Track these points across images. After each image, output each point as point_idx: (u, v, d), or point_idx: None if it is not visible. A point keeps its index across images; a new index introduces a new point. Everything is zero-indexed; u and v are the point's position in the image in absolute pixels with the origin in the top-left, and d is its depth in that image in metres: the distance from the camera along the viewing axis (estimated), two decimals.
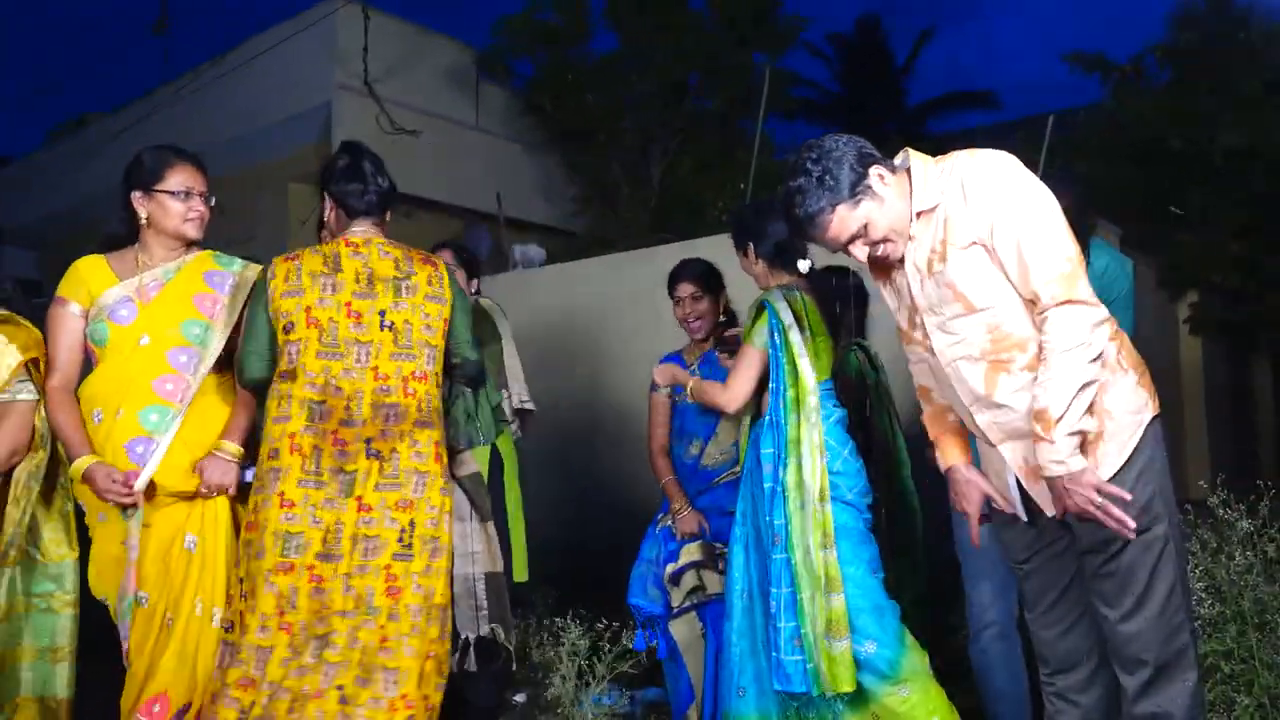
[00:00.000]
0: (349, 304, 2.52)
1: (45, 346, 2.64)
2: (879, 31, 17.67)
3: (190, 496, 2.57)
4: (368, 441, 2.48)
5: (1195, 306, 9.44)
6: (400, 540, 2.48)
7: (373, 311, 2.53)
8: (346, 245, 2.59)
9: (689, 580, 3.14)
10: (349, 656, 2.43)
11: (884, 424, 3.11)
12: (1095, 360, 1.92)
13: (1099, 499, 1.94)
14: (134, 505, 2.49)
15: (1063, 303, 1.92)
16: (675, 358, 3.44)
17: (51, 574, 2.70)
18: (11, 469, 2.63)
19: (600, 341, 5.78)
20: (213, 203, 2.69)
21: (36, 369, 2.68)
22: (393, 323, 2.54)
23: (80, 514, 2.61)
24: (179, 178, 2.63)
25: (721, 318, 3.38)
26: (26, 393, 2.64)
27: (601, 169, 9.19)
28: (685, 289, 3.33)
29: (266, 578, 2.40)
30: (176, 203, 2.63)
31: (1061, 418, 1.91)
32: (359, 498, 2.46)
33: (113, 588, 2.56)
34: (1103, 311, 1.96)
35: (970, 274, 2.03)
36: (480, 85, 9.42)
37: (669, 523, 3.25)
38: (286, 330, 2.50)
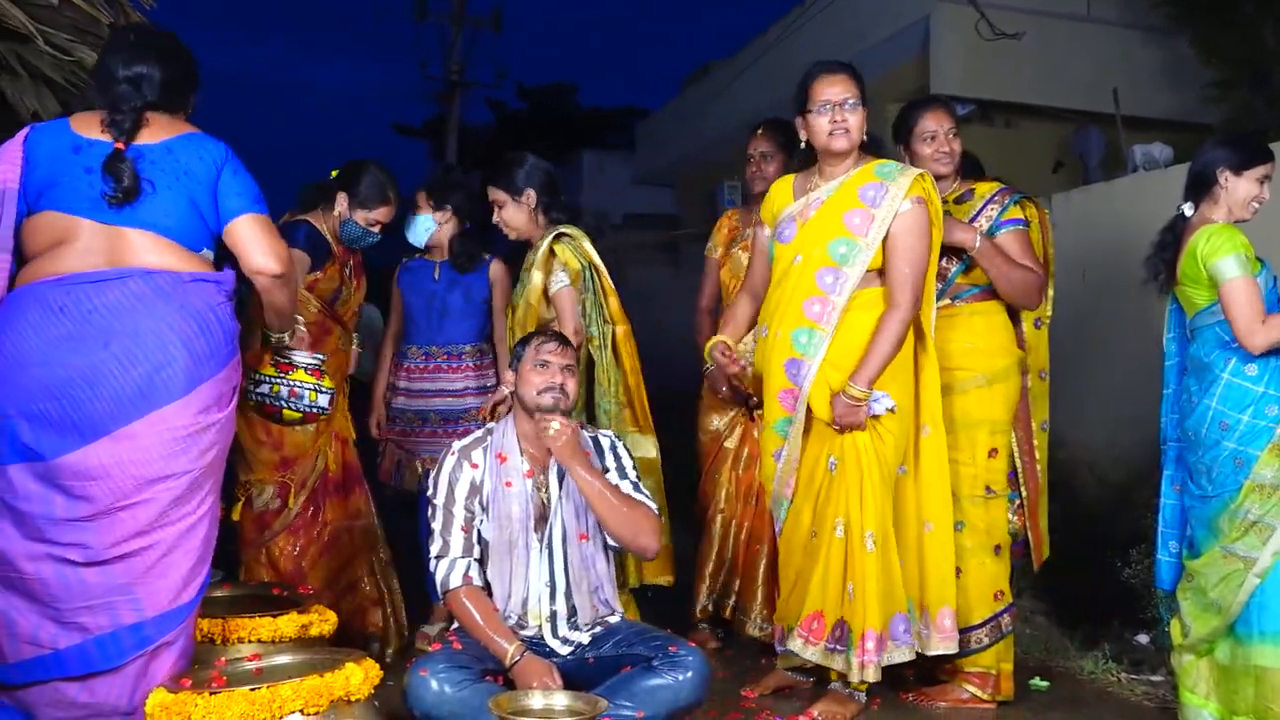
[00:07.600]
0: None
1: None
2: None
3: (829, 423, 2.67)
4: None
5: None
6: None
7: None
8: None
9: None
10: None
11: None
12: None
13: None
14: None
15: None
16: None
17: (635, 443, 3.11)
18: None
19: None
20: (860, 107, 2.64)
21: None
22: None
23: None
24: (819, 93, 2.66)
25: None
26: (561, 284, 3.00)
27: (1246, 44, 7.68)
28: None
29: None
30: (820, 119, 2.66)
31: None
32: None
33: (768, 481, 2.85)
34: None
35: None
36: None
37: None
38: None
